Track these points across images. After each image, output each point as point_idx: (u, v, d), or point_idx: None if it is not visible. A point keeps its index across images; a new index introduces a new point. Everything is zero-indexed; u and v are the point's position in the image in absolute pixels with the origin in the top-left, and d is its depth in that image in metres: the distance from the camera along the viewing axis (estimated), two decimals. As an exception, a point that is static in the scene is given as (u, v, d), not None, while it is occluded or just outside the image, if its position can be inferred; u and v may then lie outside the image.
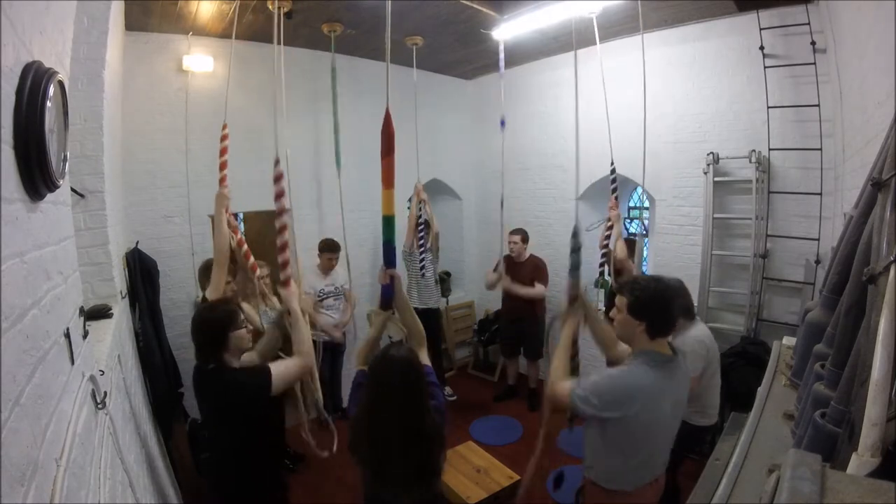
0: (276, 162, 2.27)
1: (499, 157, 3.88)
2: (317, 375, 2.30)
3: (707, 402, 2.54)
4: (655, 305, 1.63)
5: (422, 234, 4.20)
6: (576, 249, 2.09)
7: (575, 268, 2.06)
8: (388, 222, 1.97)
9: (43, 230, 0.93)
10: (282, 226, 2.24)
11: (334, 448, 2.24)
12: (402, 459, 1.48)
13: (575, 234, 2.10)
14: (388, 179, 1.89)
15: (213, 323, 1.83)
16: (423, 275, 4.28)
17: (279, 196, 2.25)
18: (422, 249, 4.22)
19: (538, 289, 4.18)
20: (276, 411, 2.08)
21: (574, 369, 2.03)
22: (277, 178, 2.27)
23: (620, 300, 1.69)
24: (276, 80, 2.52)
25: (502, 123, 3.80)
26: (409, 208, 4.54)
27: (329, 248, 3.83)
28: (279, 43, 2.51)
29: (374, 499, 1.58)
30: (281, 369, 1.85)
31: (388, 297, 1.94)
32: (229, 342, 1.83)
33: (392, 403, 1.49)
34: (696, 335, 2.49)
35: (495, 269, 4.13)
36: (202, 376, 1.83)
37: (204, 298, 2.63)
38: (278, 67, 2.44)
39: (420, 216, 4.19)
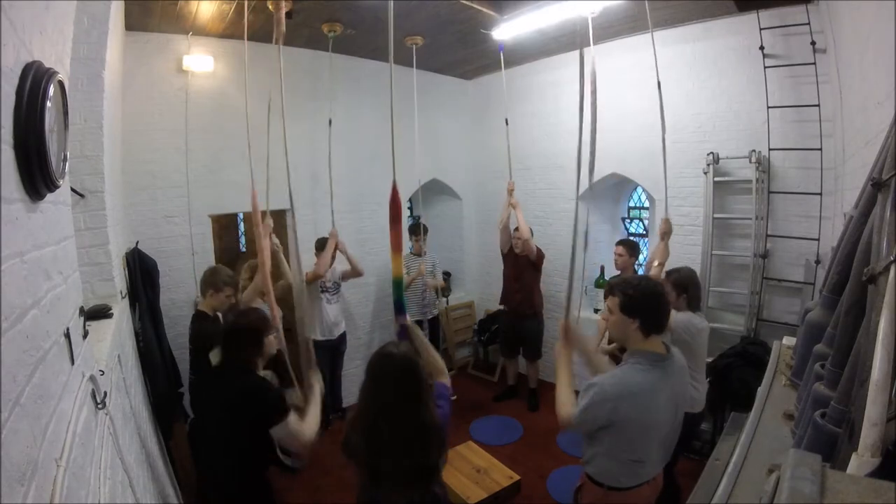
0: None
1: (499, 157, 3.89)
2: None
3: (694, 390, 2.52)
4: (647, 303, 1.66)
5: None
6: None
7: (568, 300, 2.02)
8: (397, 284, 2.10)
9: (43, 230, 0.93)
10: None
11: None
12: (398, 459, 1.47)
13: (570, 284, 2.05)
14: (396, 245, 2.03)
15: (253, 327, 1.92)
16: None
17: None
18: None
19: (524, 229, 4.13)
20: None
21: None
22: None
23: (612, 301, 1.72)
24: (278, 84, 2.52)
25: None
26: (409, 224, 4.60)
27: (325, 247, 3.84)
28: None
29: (369, 498, 1.57)
30: (294, 422, 1.85)
31: (403, 339, 2.03)
32: (265, 346, 1.94)
33: (390, 401, 1.48)
34: (687, 318, 2.49)
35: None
36: (223, 379, 1.87)
37: (200, 314, 2.68)
38: (276, 66, 2.43)
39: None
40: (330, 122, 3.69)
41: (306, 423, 1.94)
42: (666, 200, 3.06)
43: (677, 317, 2.45)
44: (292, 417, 1.84)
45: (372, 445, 1.48)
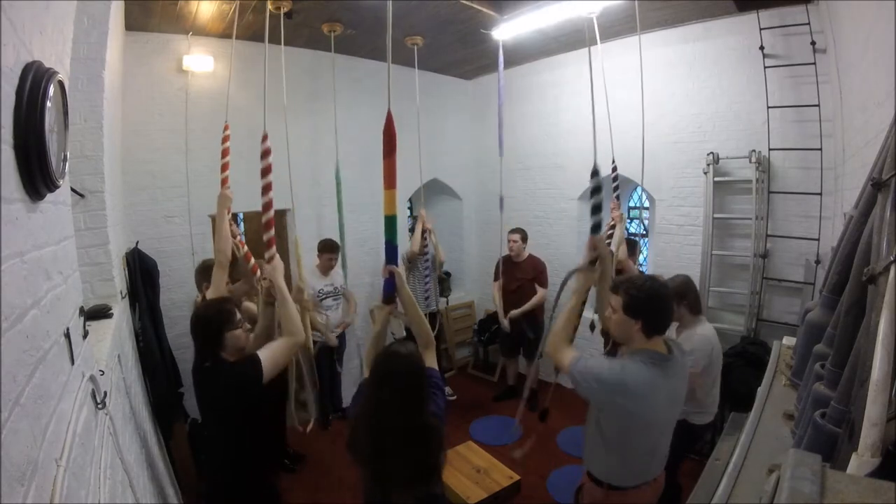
0: (264, 138, 2.25)
1: (499, 157, 3.88)
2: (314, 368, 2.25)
3: (707, 401, 2.54)
4: (650, 304, 1.63)
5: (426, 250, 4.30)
6: (597, 207, 2.08)
7: (595, 228, 2.04)
8: (390, 222, 1.97)
9: (43, 230, 0.93)
10: (267, 203, 2.24)
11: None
12: (402, 458, 1.47)
13: (597, 189, 2.13)
14: (389, 180, 1.89)
15: (209, 322, 1.83)
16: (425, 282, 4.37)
17: (266, 172, 2.25)
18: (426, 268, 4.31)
19: (540, 294, 4.21)
20: (273, 405, 2.04)
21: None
22: (265, 154, 2.25)
23: (616, 300, 1.69)
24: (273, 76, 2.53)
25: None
26: (410, 224, 4.58)
27: (328, 249, 3.82)
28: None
29: (374, 498, 1.57)
30: (268, 353, 1.83)
31: (390, 291, 1.95)
32: (225, 341, 1.83)
33: (394, 402, 1.48)
34: (702, 333, 2.51)
35: (497, 278, 4.27)
36: (199, 374, 1.84)
37: (203, 299, 2.63)
38: (277, 66, 2.45)
39: (426, 247, 4.26)
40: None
41: (283, 337, 1.94)
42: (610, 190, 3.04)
43: (694, 343, 2.42)
44: (262, 354, 1.81)
45: (374, 445, 1.49)
